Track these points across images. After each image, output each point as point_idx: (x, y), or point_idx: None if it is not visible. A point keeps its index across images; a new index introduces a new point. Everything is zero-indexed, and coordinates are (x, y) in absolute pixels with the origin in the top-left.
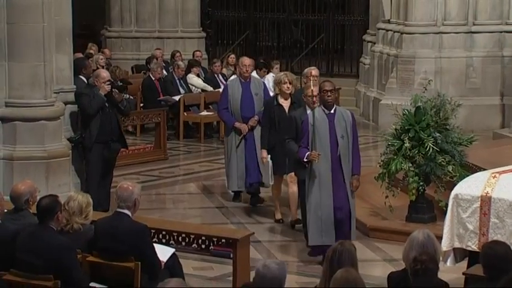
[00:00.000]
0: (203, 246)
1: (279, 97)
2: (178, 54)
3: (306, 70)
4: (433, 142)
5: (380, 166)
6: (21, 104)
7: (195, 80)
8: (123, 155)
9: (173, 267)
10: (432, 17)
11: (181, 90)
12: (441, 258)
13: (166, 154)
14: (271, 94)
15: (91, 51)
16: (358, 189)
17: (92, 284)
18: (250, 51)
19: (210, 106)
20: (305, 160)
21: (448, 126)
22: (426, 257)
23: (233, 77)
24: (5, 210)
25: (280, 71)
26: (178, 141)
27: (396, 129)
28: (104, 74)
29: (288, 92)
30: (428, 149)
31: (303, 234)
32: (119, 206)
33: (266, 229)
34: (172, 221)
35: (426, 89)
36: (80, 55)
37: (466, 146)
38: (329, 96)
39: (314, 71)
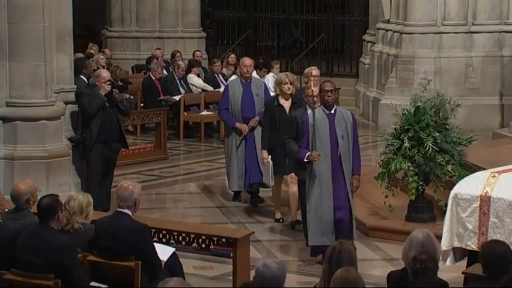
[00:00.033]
0: (203, 245)
1: (279, 97)
2: (178, 54)
3: (306, 70)
4: (433, 142)
5: (379, 166)
6: (22, 103)
7: (195, 80)
8: (123, 155)
9: (173, 266)
10: (432, 17)
11: (182, 90)
12: (440, 258)
13: (166, 154)
14: (272, 94)
15: (92, 51)
16: (358, 189)
17: (92, 284)
18: (250, 51)
19: (210, 106)
20: (305, 160)
21: (447, 126)
22: (425, 256)
23: (233, 77)
24: (6, 210)
25: (280, 71)
26: (179, 141)
27: (395, 129)
28: (105, 74)
29: (289, 92)
30: (427, 148)
31: (303, 234)
32: (120, 205)
33: (266, 229)
34: (172, 221)
35: (425, 89)
36: (80, 55)
37: (465, 145)
38: (329, 96)
39: (315, 71)
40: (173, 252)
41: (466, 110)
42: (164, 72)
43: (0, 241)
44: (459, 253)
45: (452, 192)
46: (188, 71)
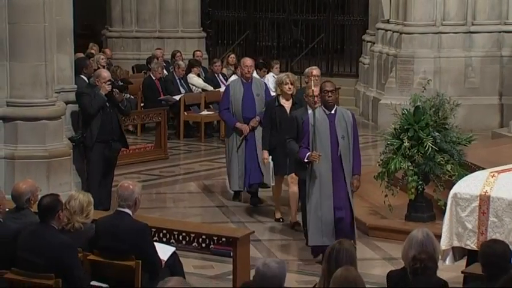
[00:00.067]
0: (203, 245)
1: (280, 98)
2: (178, 54)
3: (307, 70)
4: (432, 141)
5: (379, 165)
6: (23, 103)
7: (195, 80)
8: (124, 154)
9: (173, 266)
10: (432, 17)
11: (182, 90)
12: (440, 257)
13: (166, 153)
14: (272, 94)
15: (92, 51)
16: (358, 189)
17: (93, 283)
18: (250, 51)
19: (210, 106)
20: (306, 160)
21: (446, 126)
22: (425, 255)
23: (233, 76)
24: (7, 209)
25: (280, 71)
26: (179, 141)
27: (395, 129)
28: (105, 74)
29: (290, 92)
30: (427, 148)
31: (303, 234)
32: (120, 205)
33: (266, 228)
34: (173, 220)
35: (425, 89)
36: (81, 55)
37: (464, 145)
38: (329, 96)
39: (315, 70)
40: (174, 252)
41: (466, 110)
42: (165, 72)
43: (1, 240)
44: (458, 252)
45: (452, 191)
46: (188, 70)
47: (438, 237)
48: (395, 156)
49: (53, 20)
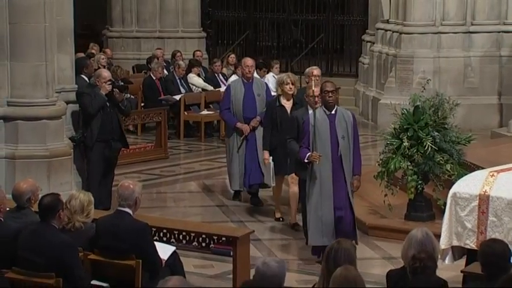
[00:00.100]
0: (203, 244)
1: (281, 98)
2: (178, 54)
3: (307, 70)
4: (432, 141)
5: (379, 165)
6: (23, 103)
7: (195, 80)
8: (124, 154)
9: (174, 265)
10: (431, 17)
11: (182, 90)
12: (439, 256)
13: (166, 153)
14: (273, 94)
15: (93, 51)
16: (359, 189)
17: (93, 282)
18: (250, 51)
19: (211, 105)
20: (306, 161)
21: (446, 125)
22: (424, 255)
23: (233, 76)
24: (7, 209)
25: (280, 70)
26: (179, 140)
27: (395, 128)
28: (105, 73)
29: (291, 92)
30: (426, 148)
31: (303, 233)
32: (121, 204)
33: (266, 227)
34: (173, 220)
35: (424, 89)
36: (81, 55)
37: (464, 144)
38: (330, 97)
39: (316, 70)
40: (174, 251)
41: (465, 110)
42: (165, 72)
43: (2, 240)
44: (458, 252)
45: (451, 191)
46: (188, 70)
47: (438, 236)
48: (394, 155)
49: (53, 20)
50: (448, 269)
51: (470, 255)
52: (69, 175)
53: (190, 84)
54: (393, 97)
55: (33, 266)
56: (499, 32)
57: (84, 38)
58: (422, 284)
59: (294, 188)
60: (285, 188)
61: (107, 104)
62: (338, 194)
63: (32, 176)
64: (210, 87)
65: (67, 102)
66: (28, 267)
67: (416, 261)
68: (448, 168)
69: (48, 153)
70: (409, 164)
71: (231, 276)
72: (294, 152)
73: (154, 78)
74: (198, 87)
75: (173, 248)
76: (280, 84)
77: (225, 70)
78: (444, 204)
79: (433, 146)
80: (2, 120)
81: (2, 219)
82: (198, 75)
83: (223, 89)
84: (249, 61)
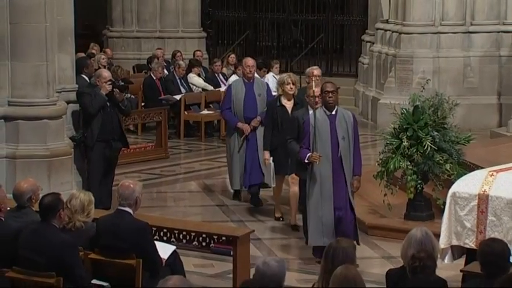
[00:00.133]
0: (203, 243)
1: (282, 98)
2: (179, 54)
3: (308, 70)
4: (431, 141)
5: (378, 164)
6: (24, 103)
7: (195, 80)
8: (125, 154)
9: (174, 264)
10: (430, 17)
11: (182, 90)
12: (439, 256)
13: (167, 153)
14: (274, 94)
15: (93, 51)
16: (359, 190)
17: (94, 281)
18: (250, 51)
19: (211, 105)
20: (306, 161)
21: (445, 125)
22: (424, 254)
23: (233, 76)
24: (8, 208)
25: (280, 70)
26: (179, 140)
27: (394, 128)
28: (106, 73)
29: (291, 92)
30: (426, 147)
31: (303, 233)
32: (121, 204)
33: (266, 227)
34: (173, 219)
35: (424, 89)
36: (82, 55)
37: (463, 144)
38: (330, 97)
39: (316, 70)
40: (174, 250)
41: (464, 109)
42: (165, 71)
43: (2, 239)
44: (457, 251)
45: (451, 190)
46: (188, 70)
47: (437, 236)
48: (394, 155)
49: (54, 20)
50: (447, 268)
51: (469, 254)
52: (69, 175)
53: (190, 84)
54: (393, 97)
55: (33, 266)
56: (498, 32)
57: (84, 38)
58: (422, 283)
59: (295, 189)
60: (285, 188)
61: (108, 103)
62: (338, 195)
63: (32, 176)
64: (210, 87)
65: (68, 102)
66: (29, 267)
67: (416, 261)
68: (448, 168)
69: (48, 152)
70: (409, 163)
71: (231, 275)
72: (294, 153)
73: (154, 78)
74: (198, 87)
75: (173, 248)
76: (281, 84)
77: (225, 70)
78: (444, 203)
79: (433, 146)
80: (2, 120)
81: (3, 219)
82: (198, 75)
83: (223, 89)
84: (250, 61)
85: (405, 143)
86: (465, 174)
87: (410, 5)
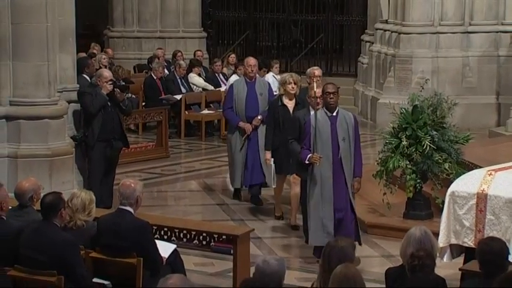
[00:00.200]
0: (204, 242)
1: (283, 97)
2: (179, 53)
3: (309, 70)
4: (430, 140)
5: (377, 164)
6: (26, 102)
7: (196, 79)
8: (125, 153)
9: (174, 263)
10: (429, 17)
11: (183, 89)
12: (438, 254)
13: (167, 152)
14: (274, 94)
15: (94, 51)
16: (359, 191)
17: (95, 280)
18: (250, 51)
19: (211, 105)
20: (307, 162)
21: (444, 125)
22: (423, 253)
23: (233, 76)
24: (10, 207)
25: (280, 70)
26: (180, 140)
27: (393, 128)
28: (107, 73)
29: (293, 92)
30: (425, 147)
31: (303, 232)
32: (122, 203)
33: (266, 226)
34: (174, 218)
35: (423, 88)
36: (83, 55)
37: (462, 144)
38: (331, 98)
39: (317, 71)
40: (175, 249)
41: (463, 109)
42: (166, 71)
43: (4, 238)
44: (456, 250)
45: (449, 189)
46: (189, 70)
47: (436, 234)
48: (393, 154)
49: (55, 20)
50: (446, 267)
51: (468, 253)
52: (71, 174)
53: (190, 84)
54: (392, 97)
55: (35, 264)
56: (497, 32)
57: (85, 38)
58: (421, 282)
59: (296, 189)
60: (286, 188)
61: (109, 103)
62: (339, 196)
63: (34, 175)
64: (211, 87)
65: (69, 102)
66: (30, 266)
67: (415, 259)
68: (446, 167)
69: (50, 152)
70: (408, 163)
71: (231, 274)
72: (295, 153)
73: (155, 77)
74: (199, 87)
75: (174, 246)
76: (282, 83)
77: (225, 70)
78: (443, 202)
79: (432, 145)
80: (4, 120)
81: (5, 218)
82: (199, 75)
83: (223, 88)
84: (251, 60)
85: (404, 143)
86: (464, 173)
87: (409, 5)
